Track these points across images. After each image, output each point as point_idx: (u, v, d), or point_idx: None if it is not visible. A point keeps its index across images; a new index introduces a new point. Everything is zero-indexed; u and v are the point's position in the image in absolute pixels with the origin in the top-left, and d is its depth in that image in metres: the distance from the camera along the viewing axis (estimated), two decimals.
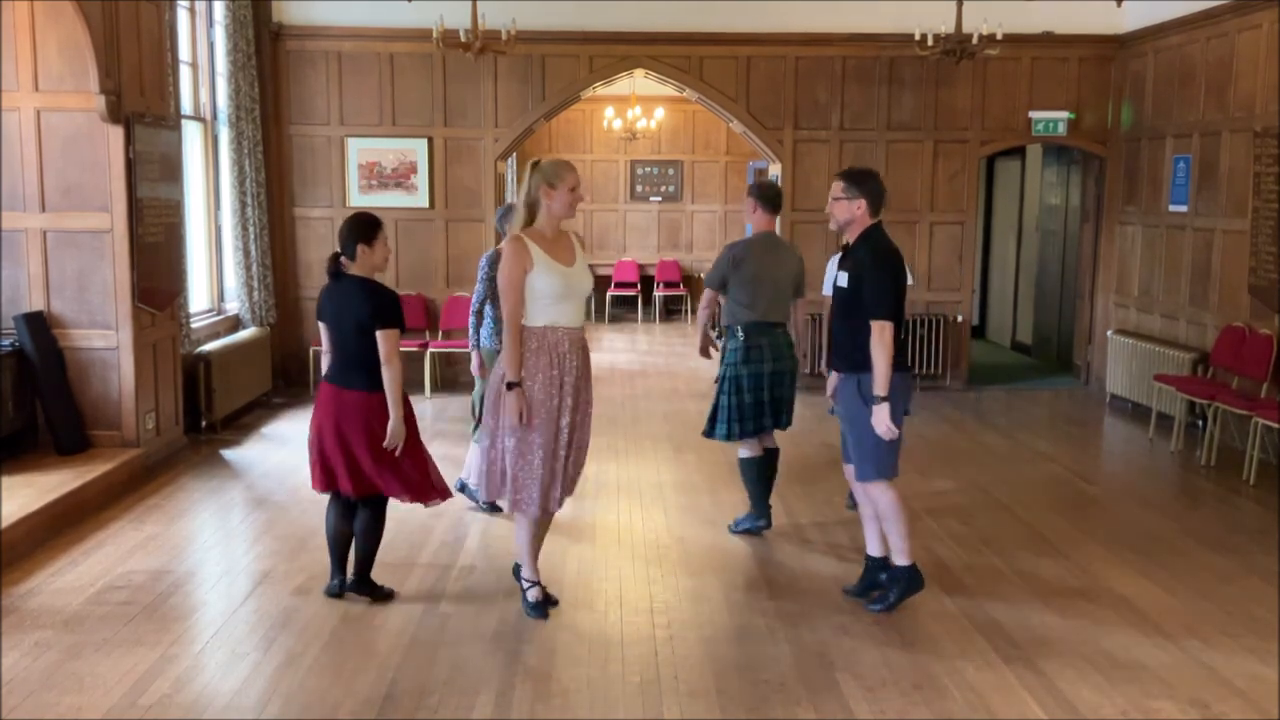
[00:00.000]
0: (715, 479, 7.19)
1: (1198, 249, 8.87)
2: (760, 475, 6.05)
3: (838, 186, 4.89)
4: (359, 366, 4.81)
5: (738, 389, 5.87)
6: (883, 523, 5.01)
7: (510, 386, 4.62)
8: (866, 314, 4.74)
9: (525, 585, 4.97)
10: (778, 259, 5.94)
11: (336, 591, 5.09)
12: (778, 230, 6.30)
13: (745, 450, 6.03)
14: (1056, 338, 11.84)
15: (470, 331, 6.32)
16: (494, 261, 5.80)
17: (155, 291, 7.36)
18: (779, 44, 10.09)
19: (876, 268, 4.79)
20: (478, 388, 6.33)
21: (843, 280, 4.89)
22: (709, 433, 6.04)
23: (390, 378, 4.77)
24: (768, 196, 6.00)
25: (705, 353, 6.28)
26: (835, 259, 5.32)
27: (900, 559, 4.96)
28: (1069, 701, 4.15)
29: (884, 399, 4.72)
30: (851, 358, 4.85)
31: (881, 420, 4.73)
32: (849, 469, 5.09)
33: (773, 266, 5.89)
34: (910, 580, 4.97)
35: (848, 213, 4.86)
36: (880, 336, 4.70)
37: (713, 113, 10.95)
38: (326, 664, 4.42)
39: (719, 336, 6.51)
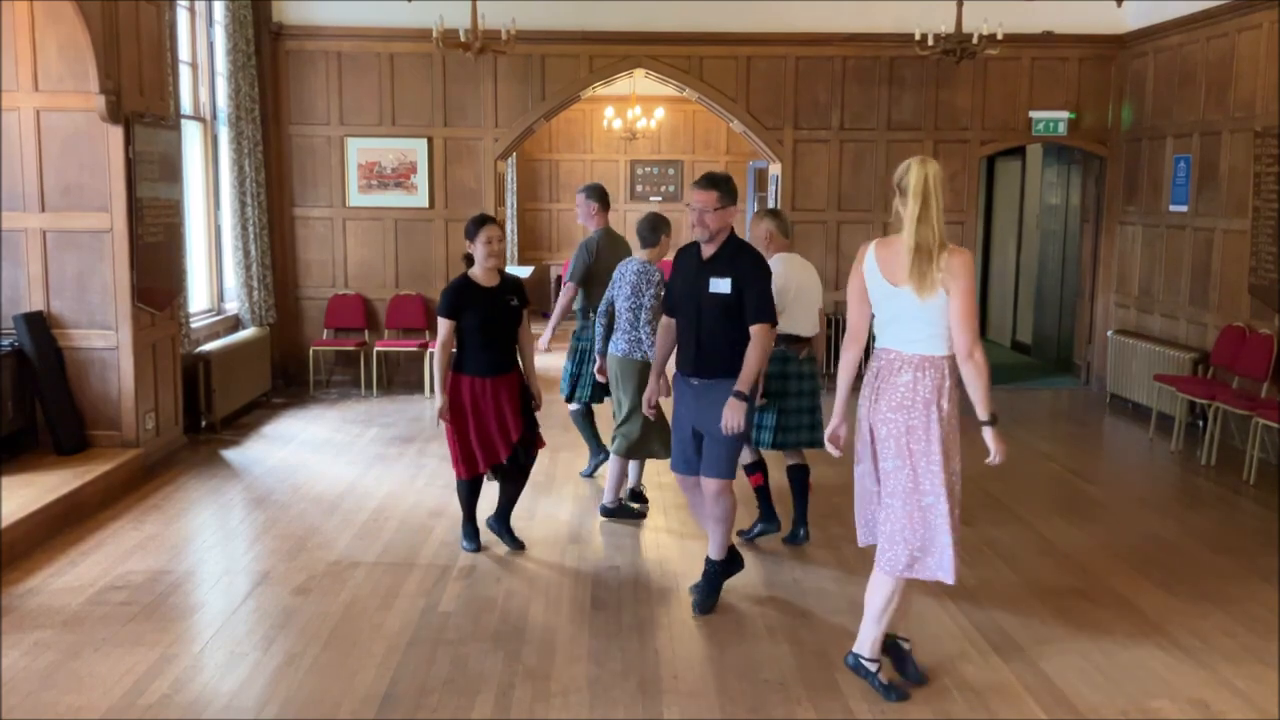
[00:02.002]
0: None
1: (1198, 249, 8.87)
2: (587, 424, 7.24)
3: (712, 197, 4.72)
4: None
5: (584, 361, 6.87)
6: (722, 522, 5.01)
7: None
8: (749, 319, 4.69)
9: (872, 666, 4.20)
10: (620, 251, 6.89)
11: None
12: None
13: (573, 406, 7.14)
14: (1056, 338, 11.83)
15: (598, 338, 6.39)
16: (661, 275, 6.06)
17: (155, 291, 7.36)
18: (779, 44, 10.09)
19: (761, 277, 4.76)
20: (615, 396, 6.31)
21: (725, 287, 4.73)
22: (568, 398, 7.06)
23: (434, 359, 5.57)
24: (603, 198, 7.05)
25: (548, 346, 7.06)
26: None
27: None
28: (1069, 701, 4.15)
29: (746, 397, 4.67)
30: (733, 363, 4.72)
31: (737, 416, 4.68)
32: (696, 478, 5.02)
33: (620, 256, 6.70)
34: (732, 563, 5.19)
35: (720, 221, 4.76)
36: (767, 339, 4.72)
37: (713, 113, 10.94)
38: (326, 664, 4.42)
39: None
